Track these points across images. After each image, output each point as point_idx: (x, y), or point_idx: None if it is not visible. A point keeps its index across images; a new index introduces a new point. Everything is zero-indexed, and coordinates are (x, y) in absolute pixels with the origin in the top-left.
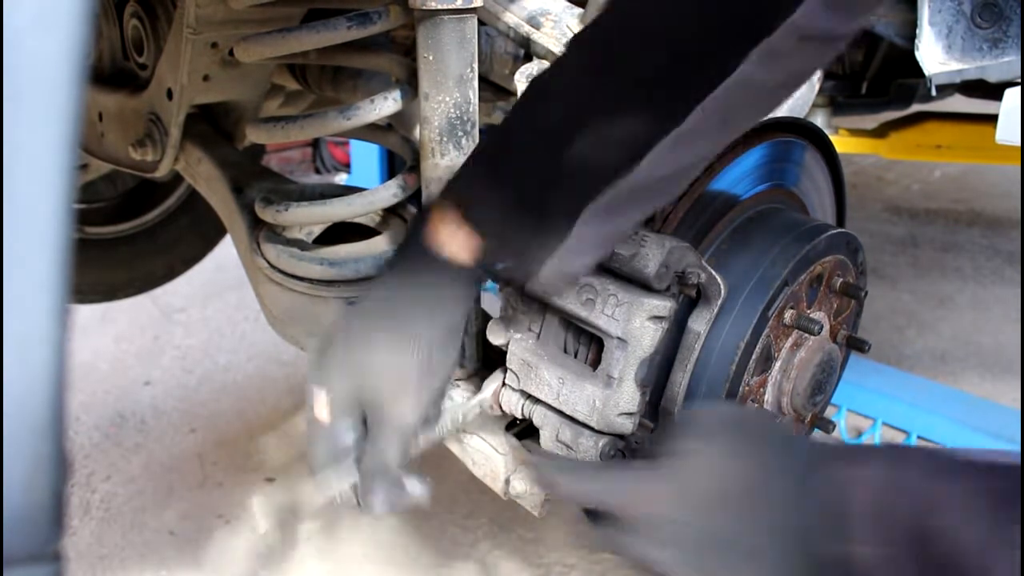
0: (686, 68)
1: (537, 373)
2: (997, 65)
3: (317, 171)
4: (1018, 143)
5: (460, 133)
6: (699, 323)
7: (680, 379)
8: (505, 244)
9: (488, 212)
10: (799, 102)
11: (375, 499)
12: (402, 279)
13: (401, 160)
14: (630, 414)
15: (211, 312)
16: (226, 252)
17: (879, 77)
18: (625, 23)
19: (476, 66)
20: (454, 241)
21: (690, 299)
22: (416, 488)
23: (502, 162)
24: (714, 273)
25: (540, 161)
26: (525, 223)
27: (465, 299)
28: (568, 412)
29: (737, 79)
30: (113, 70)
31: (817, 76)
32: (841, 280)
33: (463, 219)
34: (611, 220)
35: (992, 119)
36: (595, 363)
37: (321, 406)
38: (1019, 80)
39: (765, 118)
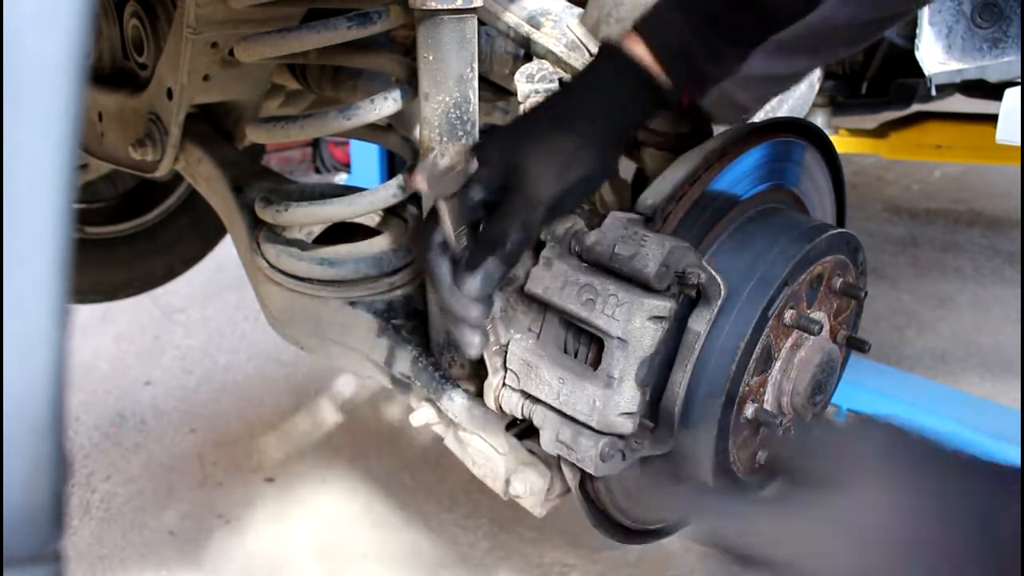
0: None
1: (537, 373)
2: (997, 65)
3: (317, 171)
4: (1018, 143)
5: (460, 133)
6: (699, 323)
7: (680, 379)
8: (684, 60)
9: (673, 27)
10: (799, 102)
11: (477, 265)
12: (585, 80)
13: (401, 160)
14: (630, 414)
15: (211, 312)
16: (226, 252)
17: (879, 77)
18: None
19: (476, 66)
20: (639, 48)
21: (690, 299)
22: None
23: None
24: (714, 273)
25: None
26: (705, 44)
27: (641, 105)
28: (568, 412)
29: None
30: (113, 70)
31: (817, 76)
32: (841, 280)
33: (651, 32)
34: (783, 60)
35: (992, 119)
36: (595, 363)
37: (457, 156)
38: (1019, 80)
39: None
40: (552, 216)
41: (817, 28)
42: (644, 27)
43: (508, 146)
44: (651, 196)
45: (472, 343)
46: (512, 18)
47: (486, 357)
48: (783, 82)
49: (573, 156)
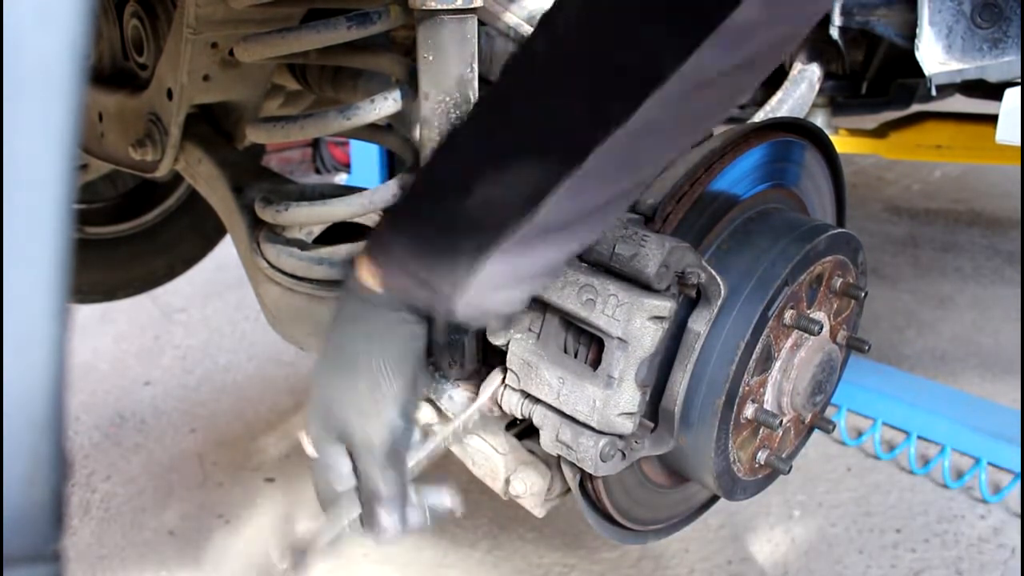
0: (579, 117)
1: (537, 373)
2: (997, 65)
3: (317, 171)
4: (1018, 143)
5: None
6: (699, 323)
7: (680, 379)
8: (416, 280)
9: (398, 251)
10: (799, 102)
11: (381, 523)
12: (345, 320)
13: (401, 160)
14: (630, 414)
15: (211, 312)
16: (226, 252)
17: (879, 77)
18: (517, 77)
19: (476, 66)
20: (370, 277)
21: (690, 299)
22: (440, 498)
23: (411, 207)
24: (714, 273)
25: (444, 206)
26: (431, 261)
27: (399, 326)
28: (568, 412)
29: (635, 125)
30: (113, 70)
31: (817, 76)
32: (841, 280)
33: (376, 258)
34: (528, 258)
35: (992, 119)
36: (595, 363)
37: (307, 445)
38: (1019, 80)
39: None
40: (403, 440)
41: (552, 224)
42: (369, 251)
43: (324, 419)
44: (651, 196)
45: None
46: (512, 18)
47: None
48: (550, 272)
49: (376, 397)
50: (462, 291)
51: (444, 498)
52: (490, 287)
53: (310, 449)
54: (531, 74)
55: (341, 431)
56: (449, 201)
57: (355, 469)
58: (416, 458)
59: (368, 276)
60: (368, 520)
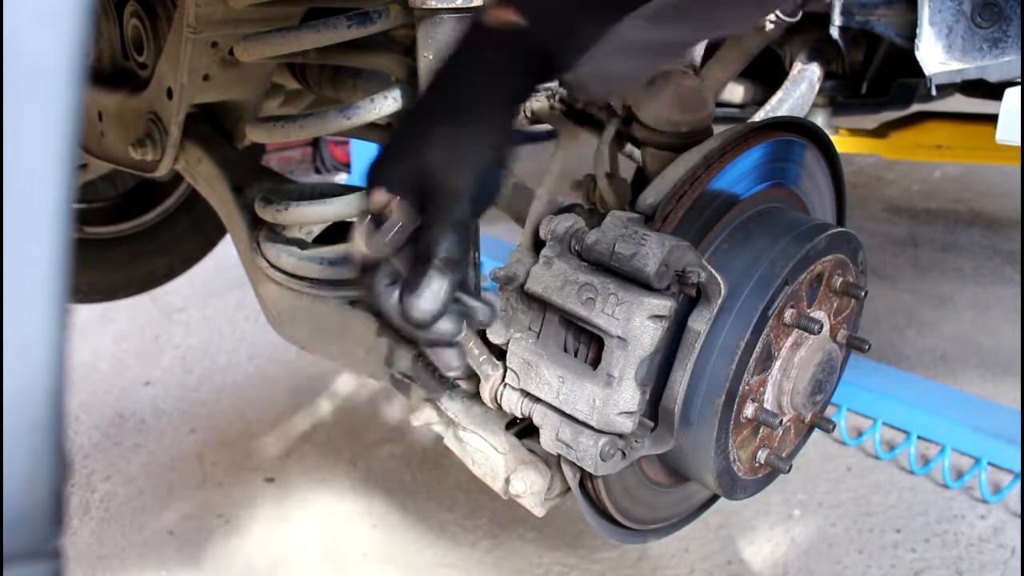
0: None
1: (537, 372)
2: (997, 65)
3: (317, 171)
4: (1018, 143)
5: None
6: (699, 322)
7: (680, 378)
8: (550, 16)
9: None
10: (799, 102)
11: (425, 292)
12: (454, 64)
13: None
14: (630, 413)
15: (211, 312)
16: (226, 252)
17: (879, 77)
18: None
19: None
20: (504, 13)
21: (690, 298)
22: (479, 308)
23: None
24: (714, 272)
25: None
26: (569, 11)
27: (517, 74)
28: (568, 411)
29: None
30: (113, 70)
31: (817, 76)
32: (841, 280)
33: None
34: (657, 31)
35: (992, 119)
36: (595, 362)
37: (377, 195)
38: (1019, 80)
39: (766, 119)
40: (478, 208)
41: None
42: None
43: (405, 164)
44: (651, 195)
45: (449, 363)
46: None
47: (474, 367)
48: (667, 52)
49: (471, 144)
50: (594, 52)
51: (483, 308)
52: (618, 55)
53: (380, 197)
54: None
55: (425, 175)
56: None
57: (418, 230)
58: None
59: (504, 12)
60: (412, 275)
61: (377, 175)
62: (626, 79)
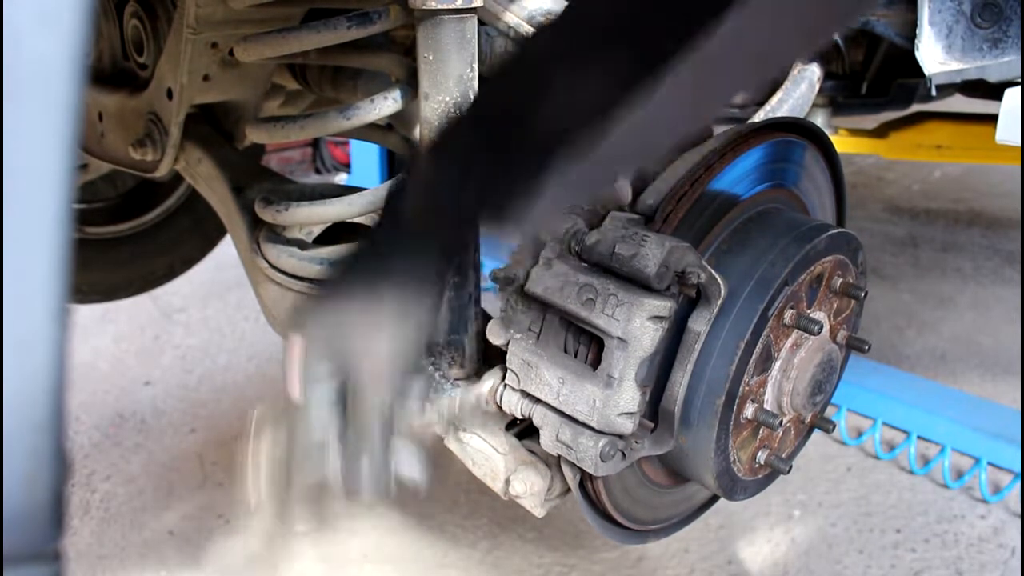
0: (661, 24)
1: (537, 373)
2: (997, 65)
3: (317, 171)
4: (1018, 143)
5: None
6: (699, 323)
7: (680, 379)
8: (460, 203)
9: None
10: (799, 102)
11: (360, 481)
12: (378, 243)
13: (401, 160)
14: (630, 414)
15: (211, 312)
16: (226, 252)
17: (879, 77)
18: None
19: (476, 66)
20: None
21: (690, 299)
22: (411, 468)
23: (469, 124)
24: (714, 273)
25: (507, 120)
26: (482, 182)
27: (434, 262)
28: (568, 412)
29: (720, 38)
30: (113, 70)
31: (817, 76)
32: (841, 280)
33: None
34: (581, 178)
35: (992, 119)
36: (595, 363)
37: (295, 381)
38: (1019, 80)
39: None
40: (406, 392)
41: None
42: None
43: (331, 345)
44: (651, 196)
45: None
46: (512, 18)
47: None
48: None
49: (398, 334)
50: (524, 212)
51: (416, 468)
52: (546, 206)
53: (297, 388)
54: None
55: (347, 362)
56: (509, 117)
57: (342, 413)
58: (405, 420)
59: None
60: (349, 471)
61: (301, 354)
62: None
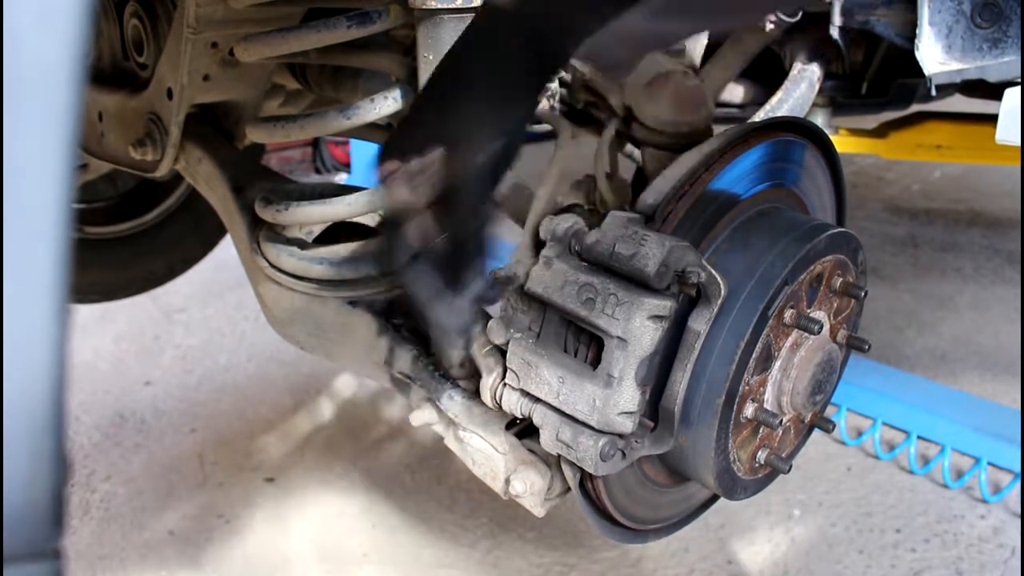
0: None
1: (537, 372)
2: (997, 65)
3: (317, 171)
4: (1018, 143)
5: None
6: (699, 322)
7: (680, 378)
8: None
9: None
10: (799, 102)
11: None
12: (466, 47)
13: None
14: (630, 413)
15: (211, 312)
16: (226, 252)
17: (879, 77)
18: None
19: None
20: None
21: (690, 298)
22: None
23: None
24: (714, 272)
25: None
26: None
27: (527, 54)
28: (568, 411)
29: None
30: (113, 70)
31: (817, 76)
32: (841, 280)
33: None
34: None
35: (992, 119)
36: (595, 362)
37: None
38: (1019, 80)
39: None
40: (492, 183)
41: None
42: None
43: (421, 137)
44: (651, 195)
45: (457, 347)
46: None
47: (476, 358)
48: (666, 41)
49: (485, 122)
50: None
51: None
52: (622, 38)
53: (391, 166)
54: None
55: (443, 146)
56: None
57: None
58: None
59: None
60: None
61: (393, 148)
62: (626, 64)
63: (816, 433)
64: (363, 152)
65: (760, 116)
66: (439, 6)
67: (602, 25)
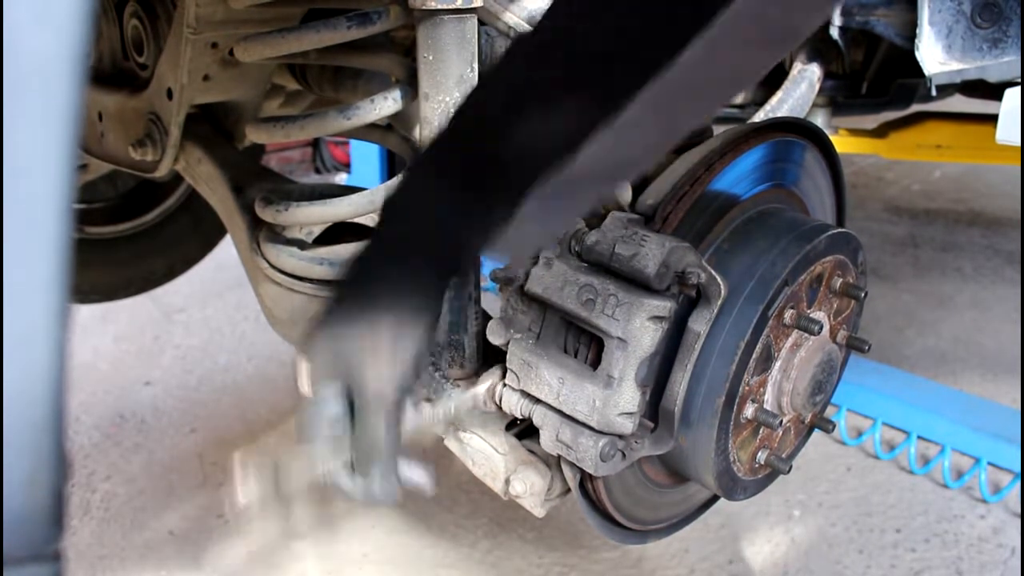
0: (626, 57)
1: (537, 373)
2: (997, 65)
3: (317, 171)
4: (1018, 143)
5: None
6: (699, 323)
7: (680, 379)
8: (450, 228)
9: (433, 199)
10: (799, 102)
11: (372, 483)
12: (375, 260)
13: (401, 160)
14: (630, 414)
15: (211, 312)
16: (226, 252)
17: (879, 77)
18: (566, 12)
19: (476, 66)
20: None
21: (690, 299)
22: (417, 474)
23: (446, 150)
24: (714, 273)
25: (480, 149)
26: (467, 209)
27: (430, 280)
28: (568, 412)
29: (681, 68)
30: (113, 70)
31: (817, 76)
32: (841, 280)
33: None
34: (560, 202)
35: (992, 119)
36: (595, 363)
37: (304, 378)
38: (1019, 80)
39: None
40: (405, 402)
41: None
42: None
43: (335, 356)
44: (651, 196)
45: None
46: (512, 18)
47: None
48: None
49: (397, 347)
50: (497, 239)
51: (421, 473)
52: (524, 234)
53: (306, 384)
54: (571, 17)
55: (351, 374)
56: (488, 139)
57: (351, 417)
58: (406, 427)
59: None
60: (362, 474)
61: (310, 359)
62: (536, 249)
63: (816, 433)
64: (363, 152)
65: (760, 116)
66: (439, 7)
67: (498, 228)
